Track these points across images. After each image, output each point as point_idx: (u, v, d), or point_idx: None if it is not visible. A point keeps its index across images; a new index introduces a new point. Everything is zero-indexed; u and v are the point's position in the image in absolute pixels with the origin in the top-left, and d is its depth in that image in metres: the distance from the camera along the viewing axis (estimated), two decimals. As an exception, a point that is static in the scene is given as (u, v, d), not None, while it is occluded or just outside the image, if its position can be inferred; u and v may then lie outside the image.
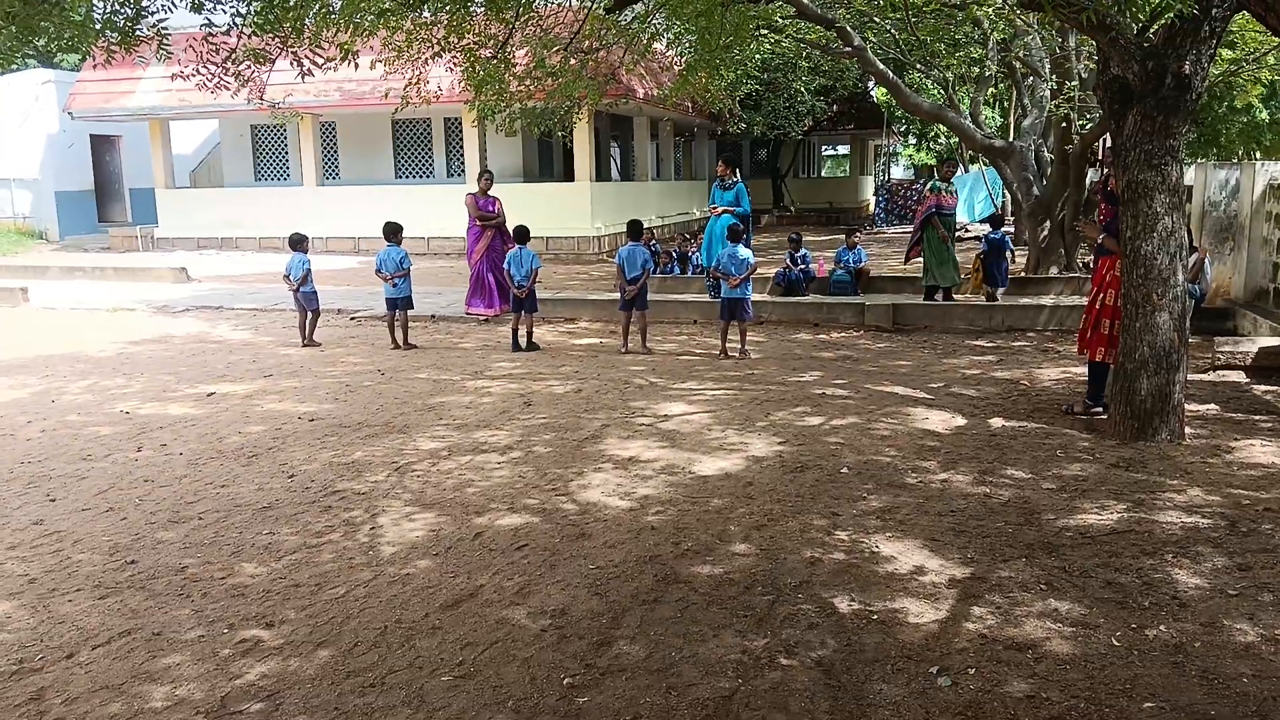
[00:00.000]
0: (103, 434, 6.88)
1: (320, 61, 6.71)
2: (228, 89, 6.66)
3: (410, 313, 10.48)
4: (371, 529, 4.97)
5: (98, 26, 5.90)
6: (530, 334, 9.91)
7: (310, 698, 3.40)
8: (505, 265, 10.04)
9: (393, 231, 10.34)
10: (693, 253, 14.59)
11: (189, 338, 11.17)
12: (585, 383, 8.26)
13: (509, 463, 6.05)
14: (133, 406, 7.71)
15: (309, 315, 10.44)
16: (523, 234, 9.96)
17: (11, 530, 5.06)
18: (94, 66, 6.40)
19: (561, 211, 19.84)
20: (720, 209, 11.76)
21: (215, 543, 4.81)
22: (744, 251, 9.48)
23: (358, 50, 8.89)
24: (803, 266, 12.80)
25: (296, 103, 17.10)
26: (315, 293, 10.53)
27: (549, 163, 23.21)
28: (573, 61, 11.95)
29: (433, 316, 12.01)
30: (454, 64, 10.42)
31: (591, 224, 20.02)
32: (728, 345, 9.40)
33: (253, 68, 6.57)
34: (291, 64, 6.72)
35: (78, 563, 4.61)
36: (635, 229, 9.91)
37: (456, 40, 9.14)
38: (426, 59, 10.34)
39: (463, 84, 12.87)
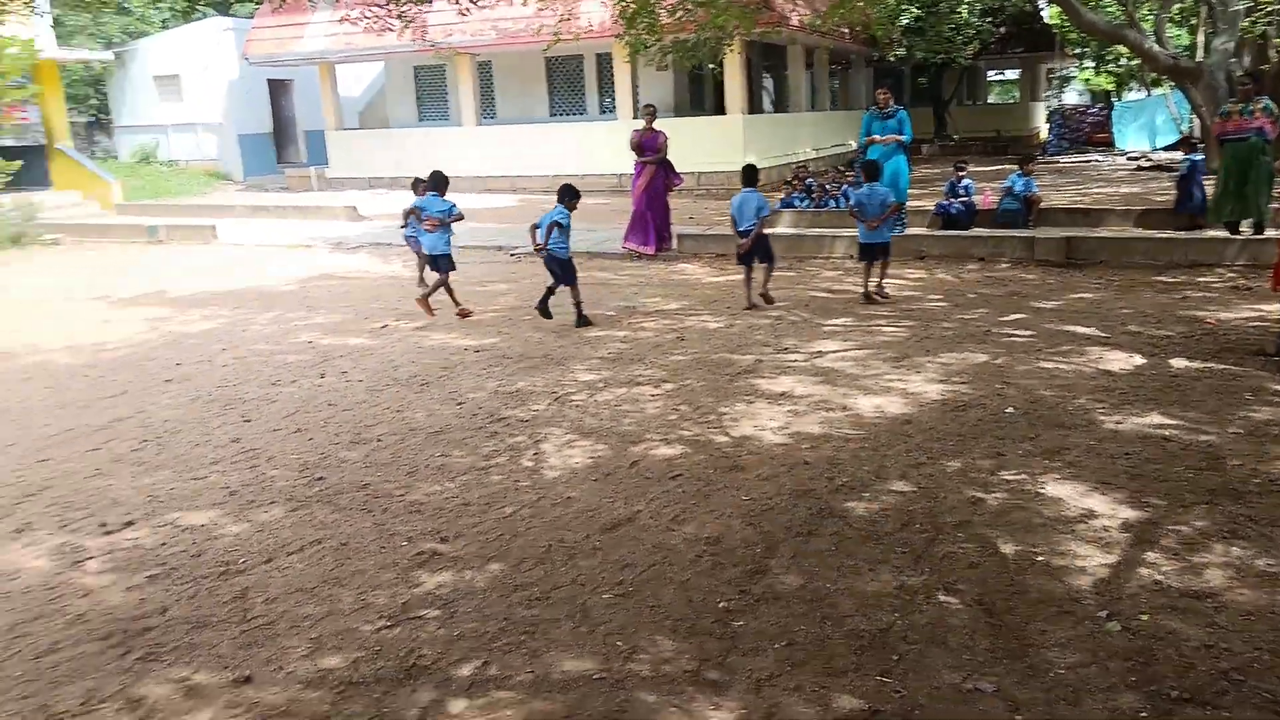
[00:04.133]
0: (289, 361, 7.40)
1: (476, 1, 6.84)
2: (391, 29, 6.89)
3: (530, 255, 9.52)
4: (535, 454, 5.19)
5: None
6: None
7: (482, 607, 3.62)
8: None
9: (439, 182, 8.88)
10: (845, 185, 14.18)
11: (362, 273, 11.77)
12: (737, 319, 8.27)
13: (663, 396, 6.15)
14: (315, 337, 8.24)
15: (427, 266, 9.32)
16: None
17: (213, 447, 5.54)
18: (275, 9, 6.75)
19: (713, 146, 19.63)
20: (882, 138, 11.27)
21: (393, 463, 5.14)
22: (883, 190, 8.86)
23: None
24: (965, 198, 12.27)
25: (455, 42, 17.55)
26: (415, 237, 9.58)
27: (700, 96, 22.93)
28: (726, -10, 11.75)
29: (587, 253, 12.20)
30: (604, 2, 10.42)
31: (744, 158, 19.72)
32: (870, 288, 8.79)
33: (414, 7, 6.75)
34: (451, 2, 6.88)
35: (271, 478, 5.02)
36: (749, 174, 8.91)
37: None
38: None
39: (613, 18, 12.88)
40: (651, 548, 4.07)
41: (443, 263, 8.64)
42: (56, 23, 23.72)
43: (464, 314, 8.65)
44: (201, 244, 14.95)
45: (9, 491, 5.01)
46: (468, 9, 6.59)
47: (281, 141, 27.30)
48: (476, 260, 12.16)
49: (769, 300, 8.60)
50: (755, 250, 8.65)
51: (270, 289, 10.73)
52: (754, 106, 22.80)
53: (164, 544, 4.29)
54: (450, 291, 8.71)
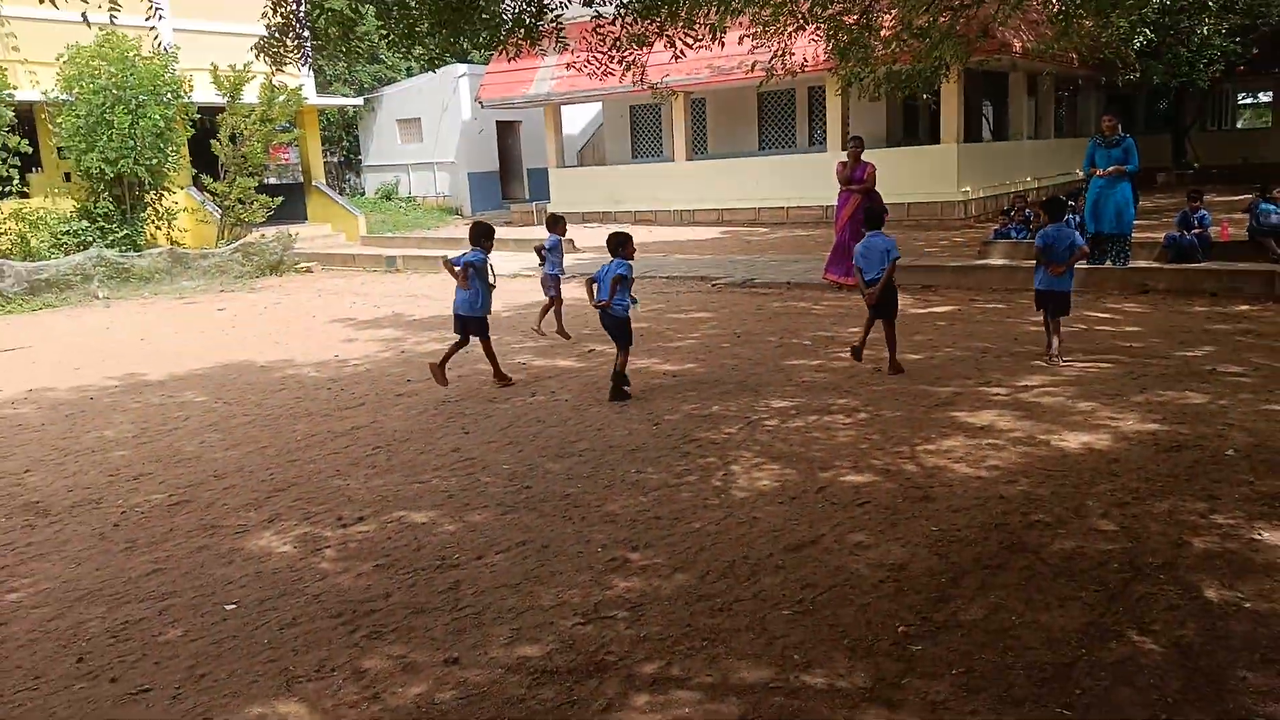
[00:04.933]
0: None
1: (691, 42, 7.20)
2: (613, 74, 7.36)
3: (746, 285, 9.63)
4: (724, 474, 5.38)
5: (509, 25, 6.80)
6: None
7: (668, 613, 3.83)
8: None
9: (482, 234, 8.10)
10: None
11: (573, 300, 12.40)
12: (939, 351, 8.13)
13: (855, 425, 6.19)
14: (529, 359, 8.82)
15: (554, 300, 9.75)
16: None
17: (435, 455, 6.09)
18: (507, 60, 7.38)
19: (924, 175, 19.25)
20: (1103, 170, 10.74)
21: (592, 476, 5.48)
22: (1070, 231, 7.68)
23: (727, 28, 9.36)
24: (1198, 230, 11.45)
25: (671, 82, 18.18)
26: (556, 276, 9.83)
27: (914, 126, 22.53)
28: (941, 20, 11.60)
29: (787, 283, 12.32)
30: (818, 34, 10.57)
31: (957, 188, 19.22)
32: (1052, 344, 7.56)
33: (633, 52, 7.20)
34: (666, 46, 7.28)
35: (485, 484, 5.47)
36: (874, 218, 7.90)
37: (821, 10, 9.28)
38: (791, 31, 10.59)
39: (827, 53, 12.99)
40: (834, 570, 4.15)
41: (473, 325, 7.79)
42: (317, 72, 26.47)
43: (504, 382, 7.80)
44: (434, 273, 16.20)
45: (262, 487, 5.72)
46: (683, 52, 6.95)
47: (507, 178, 29.10)
48: (682, 290, 12.55)
49: (897, 369, 7.38)
50: (882, 301, 7.51)
51: (492, 314, 11.50)
52: (971, 135, 22.14)
53: (389, 538, 4.79)
54: (492, 358, 7.89)
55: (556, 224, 10.06)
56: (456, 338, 7.88)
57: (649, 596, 3.98)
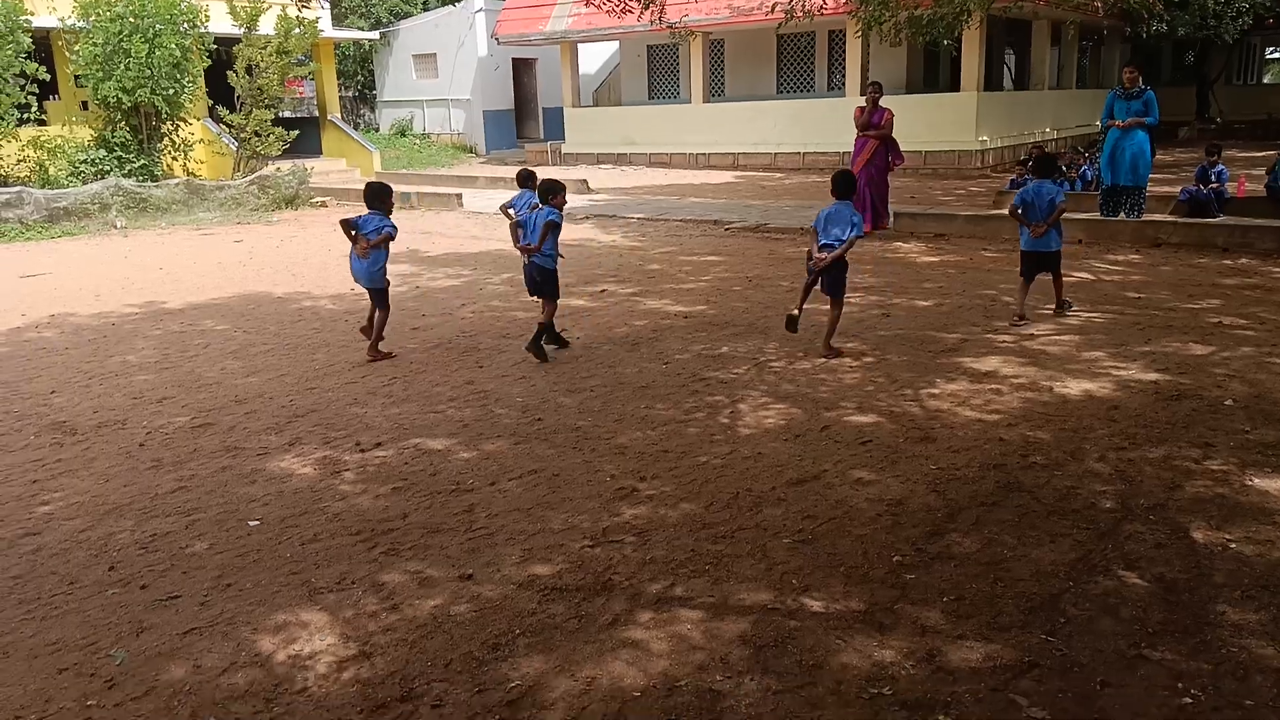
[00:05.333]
0: (518, 318, 8.09)
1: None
2: (631, 11, 7.34)
3: (760, 230, 8.78)
4: (731, 413, 5.51)
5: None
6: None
7: (672, 539, 3.99)
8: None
9: (379, 194, 6.96)
10: (1083, 165, 13.50)
11: (586, 241, 12.47)
12: (948, 298, 8.21)
13: (861, 368, 6.30)
14: (540, 296, 8.91)
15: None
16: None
17: (450, 387, 6.24)
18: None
19: (942, 124, 19.09)
20: (1124, 122, 10.66)
21: (603, 410, 5.62)
22: (1052, 187, 7.35)
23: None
24: (1215, 185, 11.41)
25: (690, 22, 18.02)
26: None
27: (934, 73, 22.28)
28: (965, -36, 11.46)
29: (800, 229, 12.33)
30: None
31: (975, 137, 19.08)
32: (1024, 306, 7.28)
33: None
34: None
35: (498, 415, 5.62)
36: (844, 184, 6.81)
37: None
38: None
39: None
40: (834, 503, 4.30)
41: (377, 298, 6.92)
42: (332, 3, 26.21)
43: (377, 356, 6.90)
44: (447, 210, 16.26)
45: (283, 412, 5.88)
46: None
47: (522, 117, 28.91)
48: (695, 234, 12.59)
49: (834, 353, 6.56)
50: (826, 277, 6.60)
51: (505, 253, 11.59)
52: (992, 84, 21.89)
53: (406, 463, 4.96)
54: (376, 328, 6.95)
55: (529, 180, 8.43)
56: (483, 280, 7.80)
57: (655, 523, 4.14)
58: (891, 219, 11.95)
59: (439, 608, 3.53)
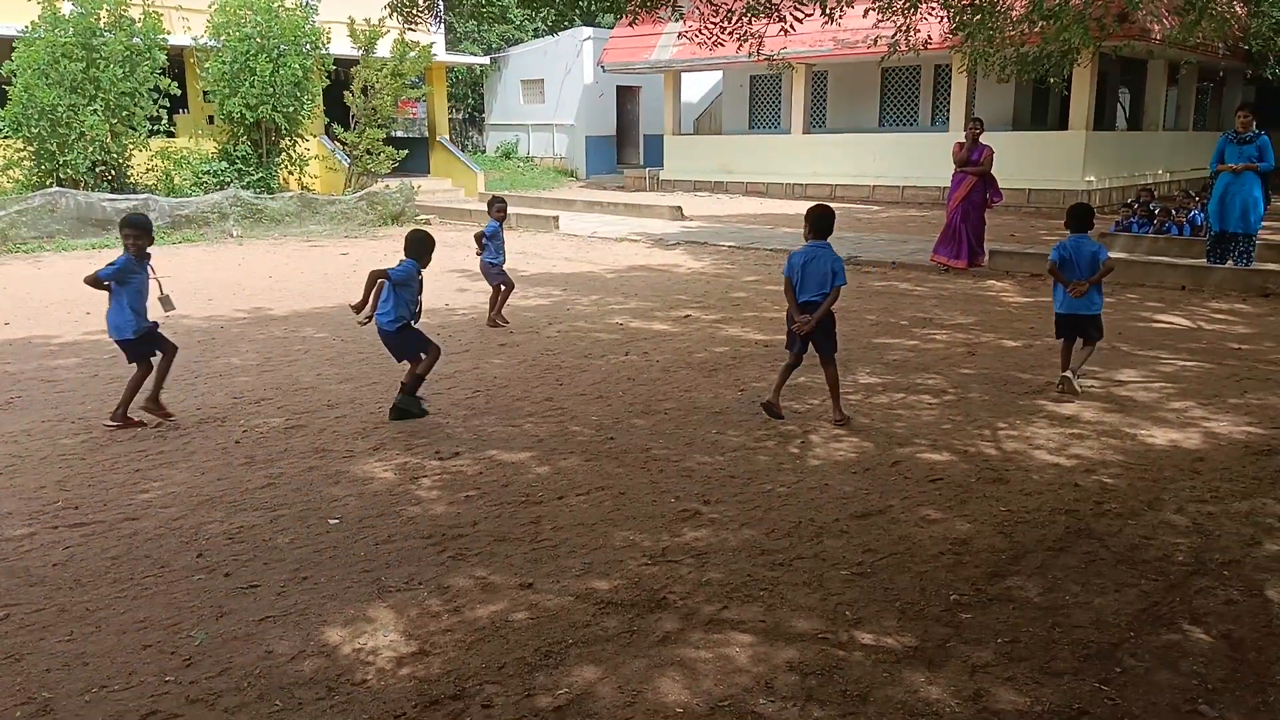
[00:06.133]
0: (601, 339, 8.26)
1: (802, 16, 7.25)
2: (723, 44, 7.48)
3: (850, 262, 8.33)
4: (802, 443, 5.54)
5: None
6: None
7: (730, 562, 4.05)
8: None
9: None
10: (1193, 210, 13.04)
11: (675, 266, 12.63)
12: (1038, 340, 8.05)
13: (939, 405, 6.24)
14: (625, 320, 9.09)
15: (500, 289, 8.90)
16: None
17: (530, 402, 6.42)
18: (628, 24, 7.54)
19: (1049, 162, 18.68)
20: (1236, 166, 10.27)
21: (674, 434, 5.71)
22: (1094, 244, 6.47)
23: (851, 2, 9.30)
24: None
25: (791, 54, 18.10)
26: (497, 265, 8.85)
27: (1042, 110, 21.81)
28: (1073, 1, 11.28)
29: (892, 263, 12.24)
30: (942, 12, 10.39)
31: (1082, 176, 18.60)
32: (1067, 373, 6.43)
33: (745, 25, 7.31)
34: (778, 20, 7.35)
35: (573, 432, 5.77)
36: (821, 221, 5.86)
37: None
38: (915, 6, 10.45)
39: (951, 31, 12.76)
40: (896, 539, 4.29)
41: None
42: (448, 29, 27.16)
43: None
44: (544, 232, 16.64)
45: (370, 418, 6.14)
46: (792, 26, 6.99)
47: (623, 143, 29.38)
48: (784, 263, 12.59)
49: (845, 419, 5.80)
50: (816, 336, 5.80)
51: (595, 275, 11.84)
52: (1104, 123, 21.35)
53: (481, 473, 5.13)
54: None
55: (494, 206, 8.79)
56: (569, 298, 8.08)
57: (715, 546, 4.20)
58: (986, 256, 11.76)
59: (498, 613, 3.65)
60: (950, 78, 20.38)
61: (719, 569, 4.00)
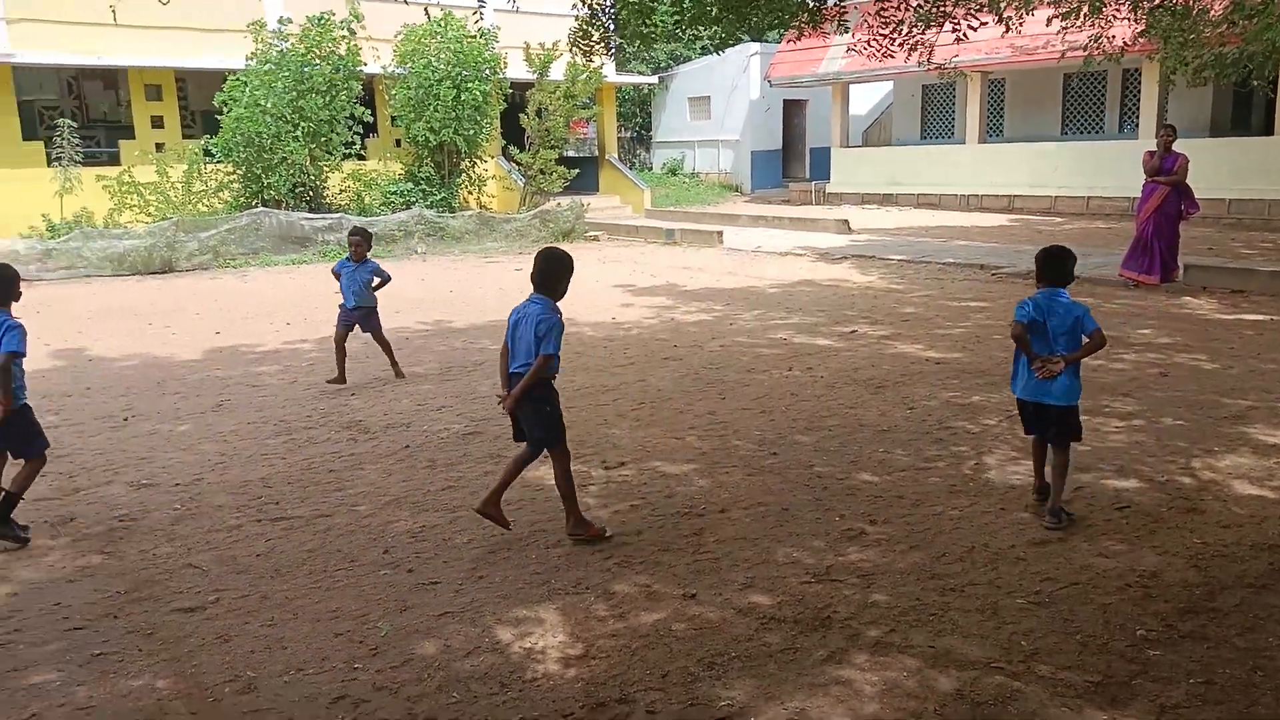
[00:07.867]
0: (764, 354, 8.25)
1: (977, 25, 7.05)
2: (892, 55, 7.36)
3: (1030, 276, 8.35)
4: (976, 464, 5.35)
5: (792, 8, 7.00)
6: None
7: (897, 585, 3.96)
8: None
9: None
10: None
11: (842, 281, 12.44)
12: (1239, 361, 7.48)
13: (1127, 429, 5.90)
14: (789, 335, 9.03)
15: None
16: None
17: (693, 416, 6.49)
18: (794, 39, 7.51)
19: (1250, 170, 17.28)
20: None
21: (839, 451, 5.64)
22: (1069, 301, 4.61)
23: (1034, 6, 8.95)
24: None
25: (965, 62, 17.55)
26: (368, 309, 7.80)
27: (1244, 115, 20.21)
28: (1282, -2, 10.45)
29: (1076, 277, 11.61)
30: (1133, 15, 9.84)
31: (1294, 186, 17.12)
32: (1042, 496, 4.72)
33: (915, 35, 7.17)
34: (952, 28, 7.17)
35: (735, 446, 5.79)
36: (546, 276, 5.23)
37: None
38: (1099, 9, 9.94)
39: (1145, 35, 12.06)
40: (1078, 568, 4.09)
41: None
42: (617, 50, 27.79)
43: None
44: (708, 247, 16.75)
45: (542, 428, 6.35)
46: (965, 35, 6.80)
47: (788, 158, 29.21)
48: (958, 278, 12.22)
49: (588, 531, 4.50)
50: (528, 411, 4.66)
51: (758, 290, 11.82)
52: (1316, 126, 19.56)
53: (645, 484, 5.23)
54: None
55: (350, 238, 7.83)
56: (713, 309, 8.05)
57: (881, 568, 4.12)
58: (1181, 271, 11.01)
59: (661, 621, 3.72)
60: (1140, 82, 19.22)
61: (885, 591, 3.92)
